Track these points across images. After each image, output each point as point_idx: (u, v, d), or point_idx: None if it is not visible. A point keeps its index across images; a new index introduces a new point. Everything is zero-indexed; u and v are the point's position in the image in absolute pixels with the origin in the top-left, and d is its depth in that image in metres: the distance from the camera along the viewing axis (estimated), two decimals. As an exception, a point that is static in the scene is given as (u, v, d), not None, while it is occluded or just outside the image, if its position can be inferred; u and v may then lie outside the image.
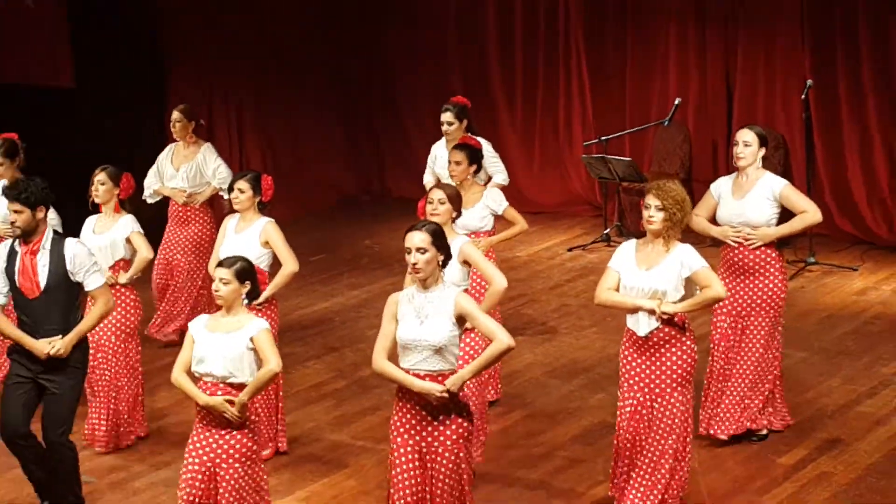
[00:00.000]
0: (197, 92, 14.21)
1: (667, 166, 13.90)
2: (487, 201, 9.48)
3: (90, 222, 9.34)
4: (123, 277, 9.17)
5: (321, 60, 15.75)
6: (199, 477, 7.05)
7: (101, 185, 9.26)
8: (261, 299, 8.25)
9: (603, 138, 13.79)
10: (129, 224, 9.26)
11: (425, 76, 15.65)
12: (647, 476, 7.61)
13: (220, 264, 7.23)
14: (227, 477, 7.05)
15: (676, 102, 13.70)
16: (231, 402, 7.00)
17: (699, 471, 8.06)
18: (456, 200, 8.29)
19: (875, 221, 13.14)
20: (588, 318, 11.51)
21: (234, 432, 7.07)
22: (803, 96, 12.60)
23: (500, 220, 9.54)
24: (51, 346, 7.74)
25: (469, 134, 10.31)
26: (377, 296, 12.24)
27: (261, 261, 8.74)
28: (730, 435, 8.76)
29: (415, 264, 6.73)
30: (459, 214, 8.37)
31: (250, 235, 8.92)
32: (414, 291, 6.84)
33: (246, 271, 7.14)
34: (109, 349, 9.16)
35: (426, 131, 15.31)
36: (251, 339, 7.05)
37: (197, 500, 7.05)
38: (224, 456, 7.06)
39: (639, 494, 7.59)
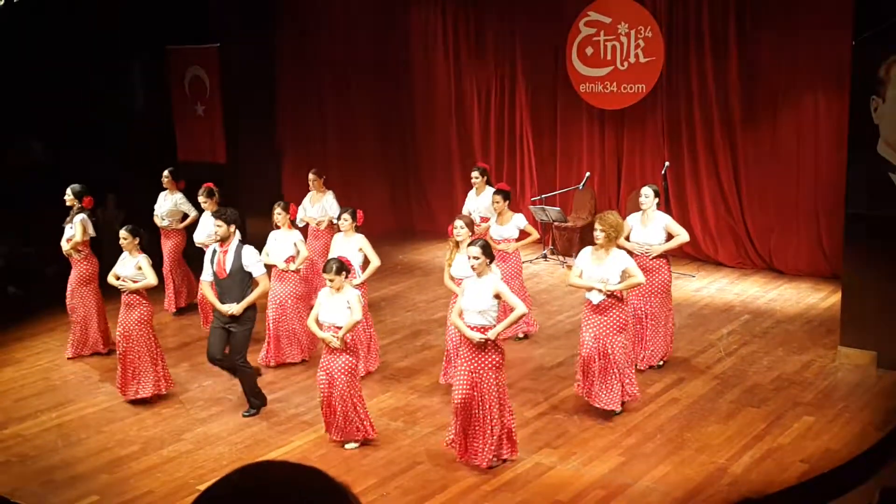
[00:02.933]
0: (302, 168, 13.86)
1: (581, 213, 13.84)
2: (516, 221, 9.78)
3: (273, 234, 9.58)
4: (293, 266, 9.41)
5: (377, 152, 15.60)
6: (324, 381, 7.40)
7: (278, 215, 9.42)
8: (357, 282, 8.77)
9: (543, 196, 13.80)
10: (297, 236, 9.55)
11: (438, 158, 15.55)
12: (608, 384, 7.85)
13: (325, 270, 7.46)
14: (337, 383, 7.34)
15: (587, 175, 13.73)
16: (336, 337, 7.30)
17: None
18: (470, 226, 8.50)
19: (706, 246, 13.10)
20: (534, 304, 11.21)
21: (339, 355, 7.33)
22: (663, 171, 12.71)
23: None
24: (229, 308, 7.94)
25: (487, 185, 10.63)
26: (406, 289, 12.31)
27: (357, 259, 9.03)
28: (650, 365, 9.01)
29: (472, 265, 6.98)
30: (473, 233, 8.46)
31: (351, 245, 9.14)
32: (474, 278, 7.04)
33: (340, 267, 7.43)
34: (294, 307, 9.40)
35: (439, 188, 15.49)
36: (347, 301, 7.32)
37: (324, 394, 7.39)
38: (334, 369, 7.34)
39: (605, 394, 7.86)
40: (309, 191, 11.46)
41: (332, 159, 14.79)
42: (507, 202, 9.81)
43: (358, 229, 9.20)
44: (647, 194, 8.94)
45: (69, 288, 10.02)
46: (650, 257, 8.85)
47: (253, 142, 13.93)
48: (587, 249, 7.98)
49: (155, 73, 14.22)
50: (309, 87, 14.56)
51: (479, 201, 10.53)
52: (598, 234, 7.77)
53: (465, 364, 7.03)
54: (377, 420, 8.17)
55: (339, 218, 9.45)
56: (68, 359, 10.03)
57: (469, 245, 7.11)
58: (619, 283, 7.77)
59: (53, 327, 11.12)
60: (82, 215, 9.94)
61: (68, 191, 10.04)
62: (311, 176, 11.40)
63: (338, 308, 7.38)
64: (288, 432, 8.03)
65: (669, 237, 9.00)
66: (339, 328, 7.35)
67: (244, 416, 8.32)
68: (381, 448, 7.70)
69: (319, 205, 11.22)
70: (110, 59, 13.52)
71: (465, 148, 15.24)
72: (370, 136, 15.47)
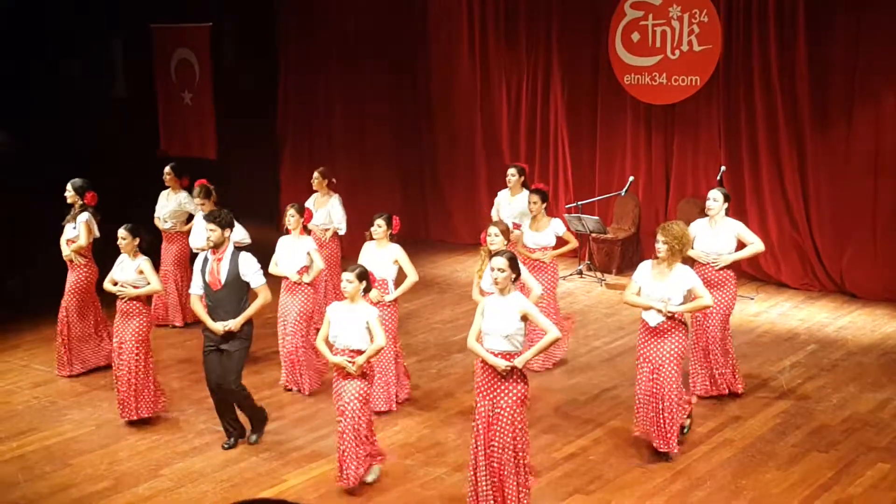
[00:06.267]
0: (303, 166, 14.22)
1: (623, 224, 13.90)
2: (554, 226, 9.90)
3: (283, 241, 9.63)
4: (307, 278, 9.48)
5: (388, 147, 15.71)
6: (340, 407, 7.48)
7: (291, 217, 9.47)
8: (389, 299, 8.94)
9: (579, 203, 13.81)
10: (310, 244, 9.56)
11: (458, 156, 15.64)
12: (662, 420, 7.94)
13: (345, 269, 7.56)
14: (349, 410, 7.41)
15: (630, 179, 13.75)
16: (351, 362, 7.36)
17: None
18: (506, 233, 8.60)
19: (766, 265, 13.07)
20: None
21: (352, 380, 7.44)
22: (718, 177, 12.68)
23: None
24: (224, 325, 8.04)
25: (523, 186, 10.74)
26: (421, 308, 12.33)
27: (392, 273, 9.12)
28: (705, 396, 9.12)
29: (496, 278, 6.93)
30: (508, 241, 8.53)
31: (385, 256, 9.16)
32: (496, 295, 7.00)
33: (363, 274, 7.52)
34: (296, 324, 9.44)
35: (460, 192, 15.56)
36: (366, 322, 7.38)
37: (342, 426, 7.46)
38: (344, 396, 7.42)
39: (661, 430, 7.95)
40: (313, 192, 11.53)
41: (337, 157, 14.86)
42: (545, 204, 9.96)
43: (393, 238, 9.23)
44: (715, 198, 9.08)
45: (65, 296, 10.12)
46: (717, 268, 8.96)
47: (248, 136, 14.01)
48: (647, 263, 8.05)
49: (137, 56, 14.32)
50: (313, 74, 14.65)
51: (514, 205, 10.62)
52: (661, 247, 7.82)
53: (484, 395, 7.00)
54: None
55: (371, 224, 9.34)
56: (64, 377, 10.13)
57: (494, 255, 7.10)
58: (683, 304, 7.83)
59: (16, 345, 11.23)
60: (87, 215, 10.04)
61: (68, 186, 10.16)
62: (315, 175, 11.47)
63: (354, 327, 7.41)
64: (281, 469, 8.06)
65: (740, 248, 9.09)
66: (355, 351, 7.39)
67: (250, 442, 8.48)
68: (389, 490, 7.72)
69: (324, 210, 11.28)
70: (86, 38, 13.63)
71: (491, 147, 15.29)
72: (382, 132, 15.57)
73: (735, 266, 9.22)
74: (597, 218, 13.35)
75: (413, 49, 15.68)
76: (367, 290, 7.57)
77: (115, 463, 8.28)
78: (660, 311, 7.79)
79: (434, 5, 15.51)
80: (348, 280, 7.45)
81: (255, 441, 8.49)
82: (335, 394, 7.52)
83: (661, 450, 7.98)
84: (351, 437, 7.42)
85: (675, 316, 7.85)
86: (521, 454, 6.97)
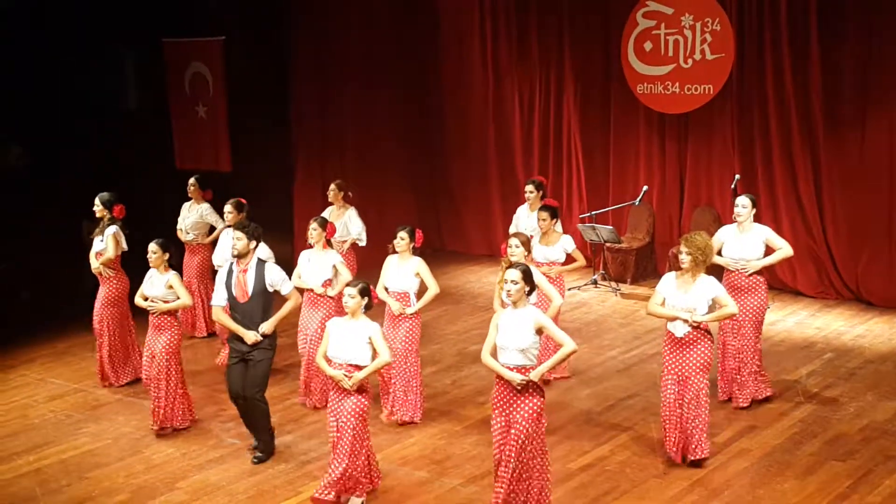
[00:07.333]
0: (317, 180, 14.18)
1: (637, 234, 13.88)
2: (563, 243, 9.91)
3: (305, 254, 9.66)
4: (332, 291, 9.48)
5: (401, 158, 15.73)
6: (334, 427, 7.39)
7: (314, 231, 9.50)
8: (411, 311, 8.92)
9: (593, 213, 13.80)
10: (334, 257, 9.58)
11: (471, 166, 15.65)
12: (692, 428, 7.97)
13: (347, 285, 7.53)
14: (344, 427, 7.32)
15: (644, 189, 13.73)
16: (348, 377, 7.30)
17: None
18: (526, 245, 8.65)
19: (782, 273, 13.02)
20: (580, 337, 11.34)
21: (349, 396, 7.36)
22: (733, 186, 12.66)
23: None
24: (258, 332, 8.10)
25: (542, 200, 10.83)
26: (434, 319, 12.26)
27: (414, 286, 9.09)
28: (749, 402, 9.20)
29: (509, 291, 6.92)
30: (529, 254, 8.58)
31: (407, 269, 9.14)
32: (510, 309, 6.99)
33: (365, 290, 7.48)
34: (318, 334, 9.38)
35: (474, 204, 15.57)
36: (369, 337, 7.30)
37: (334, 441, 7.37)
38: (341, 413, 7.35)
39: (691, 438, 7.98)
40: (327, 206, 11.55)
41: (351, 170, 14.87)
42: (556, 220, 9.99)
43: (415, 251, 9.22)
44: (744, 204, 9.12)
45: (100, 308, 10.21)
46: (747, 274, 8.99)
47: (261, 150, 14.01)
48: (671, 275, 8.06)
49: (150, 70, 14.36)
50: (326, 88, 14.66)
51: (532, 219, 10.66)
52: (684, 258, 7.85)
53: (500, 410, 7.00)
54: (398, 469, 8.19)
55: (394, 236, 9.33)
56: (106, 387, 10.25)
57: (508, 268, 7.11)
58: (708, 313, 7.85)
59: (32, 358, 11.27)
60: (114, 228, 10.13)
61: (96, 200, 10.24)
62: (332, 187, 11.52)
63: (353, 342, 7.36)
64: (297, 481, 8.06)
65: (769, 253, 9.15)
66: (354, 366, 7.34)
67: (254, 462, 8.40)
68: (404, 502, 7.70)
69: (341, 222, 11.30)
70: (99, 52, 13.68)
71: (504, 158, 15.30)
72: (394, 143, 15.56)
73: (765, 271, 9.21)
74: (611, 227, 13.33)
75: (426, 61, 15.70)
76: (368, 307, 7.51)
77: (131, 476, 8.28)
78: (685, 321, 7.81)
79: (446, 19, 15.54)
80: (350, 295, 7.40)
81: (258, 460, 8.39)
82: (330, 410, 7.44)
83: (695, 458, 8.00)
84: (347, 454, 7.31)
85: (701, 326, 7.87)
86: (540, 465, 6.97)
